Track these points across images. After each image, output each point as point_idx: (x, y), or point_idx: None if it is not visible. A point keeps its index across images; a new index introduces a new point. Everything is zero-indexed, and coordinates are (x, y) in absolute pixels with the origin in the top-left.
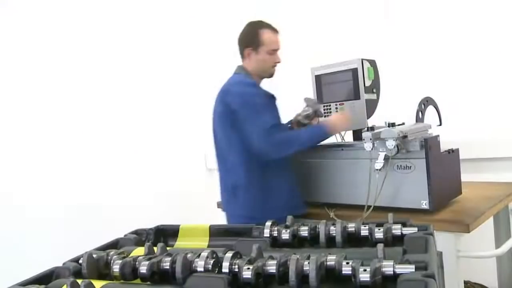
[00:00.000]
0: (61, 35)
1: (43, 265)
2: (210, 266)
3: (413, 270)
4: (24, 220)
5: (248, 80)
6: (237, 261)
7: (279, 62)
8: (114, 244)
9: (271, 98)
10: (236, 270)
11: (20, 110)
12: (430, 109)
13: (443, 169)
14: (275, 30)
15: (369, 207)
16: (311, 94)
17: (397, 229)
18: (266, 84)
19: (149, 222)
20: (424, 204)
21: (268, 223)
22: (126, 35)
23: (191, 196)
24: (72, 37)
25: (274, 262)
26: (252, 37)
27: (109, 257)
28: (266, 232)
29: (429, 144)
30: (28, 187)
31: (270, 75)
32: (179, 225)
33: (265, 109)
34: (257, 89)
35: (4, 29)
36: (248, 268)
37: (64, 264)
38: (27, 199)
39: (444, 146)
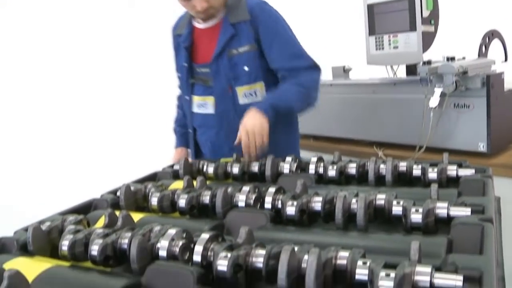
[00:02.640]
0: None
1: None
2: (251, 201)
3: (469, 213)
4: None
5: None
6: (280, 196)
7: (196, 11)
8: (152, 177)
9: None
10: (279, 206)
11: None
12: (495, 43)
13: (506, 110)
14: None
15: (420, 147)
16: (362, 26)
17: (452, 170)
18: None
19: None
20: (482, 147)
21: (314, 159)
22: None
23: None
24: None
25: (320, 199)
26: None
27: (147, 190)
28: (311, 168)
29: (492, 82)
30: None
31: (201, 18)
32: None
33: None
34: (174, 29)
35: None
36: (292, 204)
37: (102, 196)
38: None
39: (508, 85)
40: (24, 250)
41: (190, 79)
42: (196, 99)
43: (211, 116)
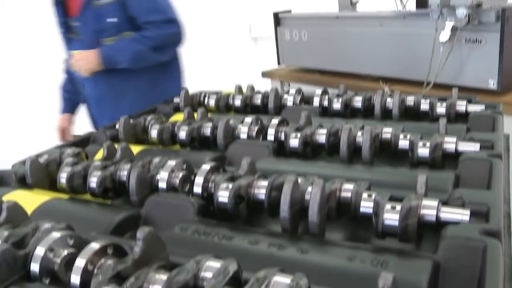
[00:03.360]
0: None
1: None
2: (254, 133)
3: (478, 149)
4: None
5: None
6: (284, 128)
7: None
8: (152, 110)
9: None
10: (282, 138)
11: None
12: None
13: None
14: None
15: (428, 83)
16: None
17: (461, 106)
18: None
19: None
20: (492, 84)
21: (318, 91)
22: None
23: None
24: None
25: (324, 131)
26: None
27: (147, 123)
28: (316, 101)
29: (507, 15)
30: None
31: None
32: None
33: None
34: None
35: None
36: (296, 136)
37: (100, 129)
38: None
39: None
40: (23, 183)
41: (68, 34)
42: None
43: None
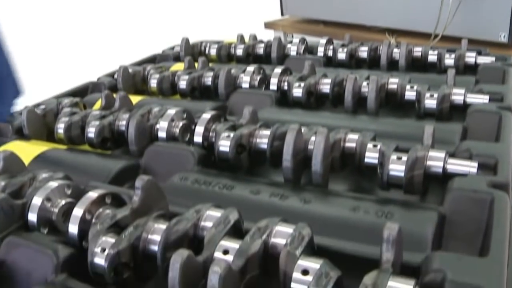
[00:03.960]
0: None
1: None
2: (256, 83)
3: (487, 101)
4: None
5: None
6: (287, 77)
7: None
8: (152, 60)
9: None
10: (285, 87)
11: None
12: None
13: None
14: None
15: (436, 36)
16: None
17: (471, 57)
18: None
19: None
20: (502, 37)
21: (323, 41)
22: None
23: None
24: None
25: (329, 80)
26: None
27: (146, 72)
28: (320, 51)
29: None
30: None
31: None
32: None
33: None
34: None
35: None
36: (299, 86)
37: (99, 79)
38: None
39: None
40: (20, 134)
41: None
42: None
43: None
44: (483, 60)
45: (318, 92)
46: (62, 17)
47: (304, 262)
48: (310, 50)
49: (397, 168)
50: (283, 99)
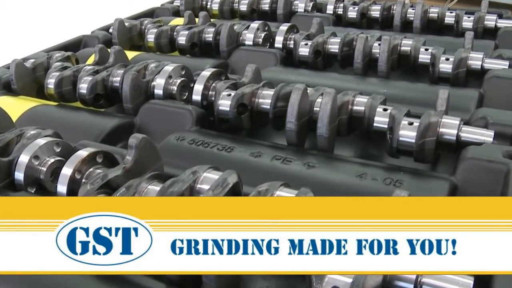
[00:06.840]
0: None
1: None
2: (260, 40)
3: (507, 67)
4: None
5: None
6: (293, 36)
7: None
8: (149, 14)
9: None
10: (291, 46)
11: None
12: None
13: None
14: None
15: None
16: None
17: (491, 20)
18: None
19: None
20: None
21: None
22: None
23: None
24: None
25: (337, 40)
26: None
27: (143, 27)
28: (329, 9)
29: None
30: None
31: None
32: None
33: None
34: None
35: None
36: (306, 44)
37: (92, 32)
38: None
39: None
40: (8, 89)
41: None
42: None
43: None
44: (504, 23)
45: (326, 52)
46: None
47: None
48: (319, 7)
49: (408, 134)
50: (289, 58)
